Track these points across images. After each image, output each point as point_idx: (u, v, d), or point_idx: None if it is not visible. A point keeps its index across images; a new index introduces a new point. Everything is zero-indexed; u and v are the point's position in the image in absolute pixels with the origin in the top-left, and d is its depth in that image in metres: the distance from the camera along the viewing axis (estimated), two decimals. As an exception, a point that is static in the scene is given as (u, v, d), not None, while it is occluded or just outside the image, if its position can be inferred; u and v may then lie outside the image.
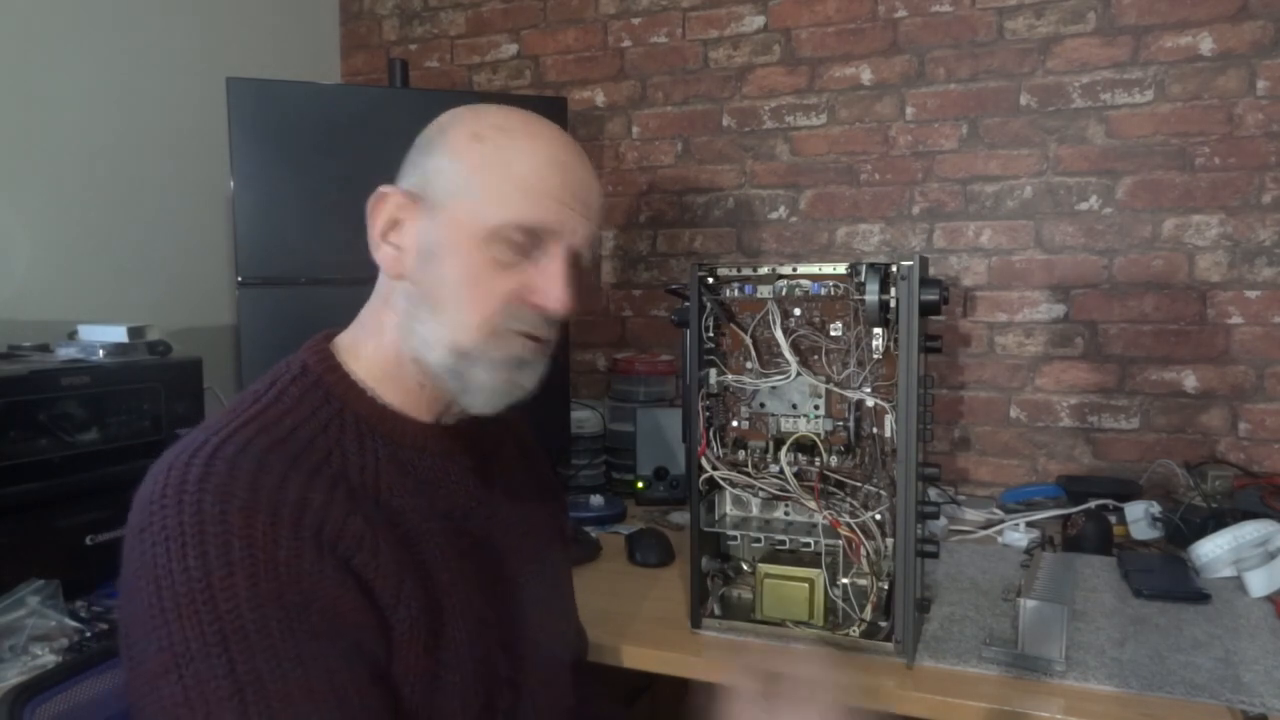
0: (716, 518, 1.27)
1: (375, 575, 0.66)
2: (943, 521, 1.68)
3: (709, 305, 1.20)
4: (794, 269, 1.17)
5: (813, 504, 1.16)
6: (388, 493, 0.72)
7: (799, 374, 1.18)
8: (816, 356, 1.19)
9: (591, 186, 0.77)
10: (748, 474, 1.20)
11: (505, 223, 0.72)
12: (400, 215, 0.76)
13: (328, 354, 0.77)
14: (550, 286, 0.73)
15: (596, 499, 1.79)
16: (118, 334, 1.49)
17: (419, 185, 0.76)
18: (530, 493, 0.91)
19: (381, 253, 0.77)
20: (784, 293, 1.18)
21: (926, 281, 1.09)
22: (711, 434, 1.22)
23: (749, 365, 1.22)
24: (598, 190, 0.78)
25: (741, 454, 1.22)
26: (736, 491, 1.25)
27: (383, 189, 0.77)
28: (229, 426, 0.68)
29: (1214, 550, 1.38)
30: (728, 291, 1.21)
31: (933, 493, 1.52)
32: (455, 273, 0.73)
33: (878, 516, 1.16)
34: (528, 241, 0.73)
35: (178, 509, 0.61)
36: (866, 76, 2.01)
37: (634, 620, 1.27)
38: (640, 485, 1.90)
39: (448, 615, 0.72)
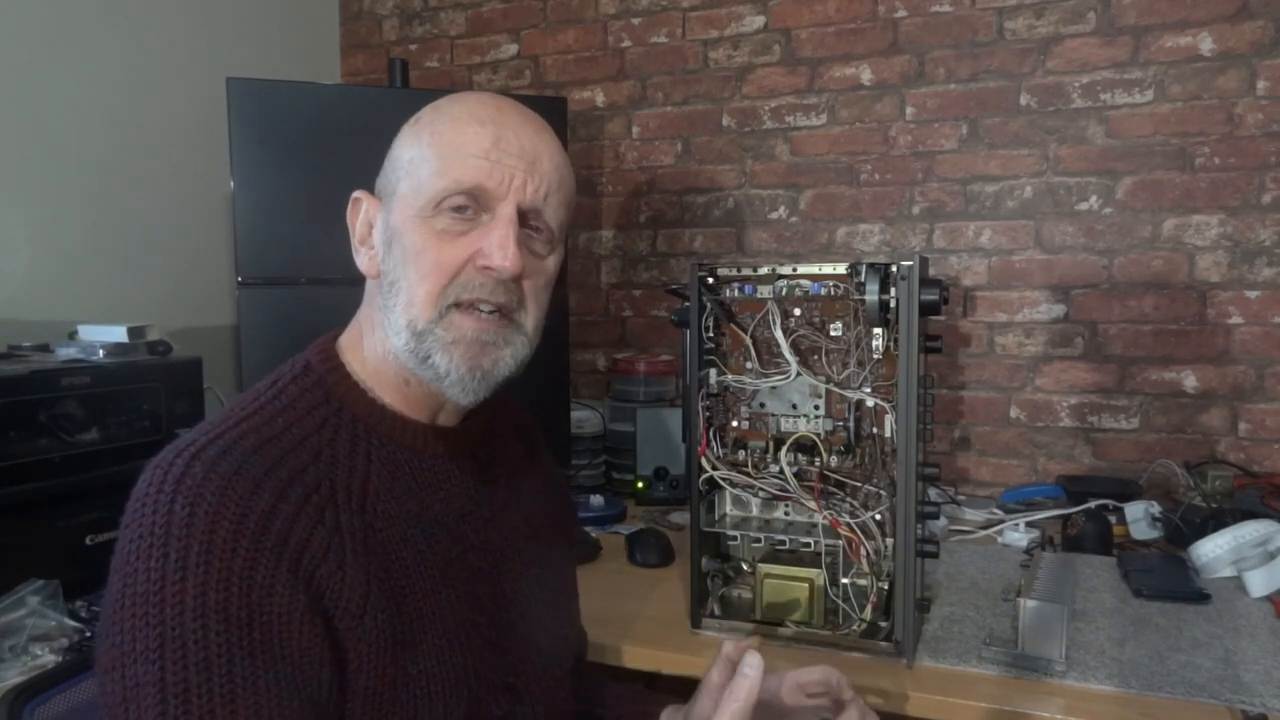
0: (716, 518, 1.27)
1: (340, 587, 0.66)
2: (943, 521, 1.68)
3: (709, 305, 1.20)
4: (794, 269, 1.17)
5: (813, 504, 1.16)
6: (374, 496, 0.72)
7: (799, 374, 1.18)
8: (816, 356, 1.19)
9: (533, 141, 0.74)
10: (748, 474, 1.20)
11: (441, 190, 0.72)
12: (371, 218, 0.78)
13: (331, 353, 0.77)
14: (493, 245, 0.71)
15: (596, 499, 1.79)
16: (118, 334, 1.49)
17: (379, 184, 0.78)
18: (536, 495, 0.90)
19: (360, 257, 0.79)
20: (784, 293, 1.18)
21: (926, 281, 1.09)
22: (711, 434, 1.22)
23: (749, 365, 1.22)
24: (548, 145, 0.76)
25: (741, 454, 1.22)
26: (736, 491, 1.25)
27: (355, 194, 0.79)
28: (221, 426, 0.69)
29: (1214, 550, 1.38)
30: (728, 291, 1.21)
31: (933, 493, 1.52)
32: (407, 252, 0.73)
33: (878, 516, 1.16)
34: (472, 206, 0.72)
35: (153, 509, 0.62)
36: (866, 76, 2.01)
37: (634, 620, 1.27)
38: (640, 485, 1.89)
39: (427, 622, 0.71)
